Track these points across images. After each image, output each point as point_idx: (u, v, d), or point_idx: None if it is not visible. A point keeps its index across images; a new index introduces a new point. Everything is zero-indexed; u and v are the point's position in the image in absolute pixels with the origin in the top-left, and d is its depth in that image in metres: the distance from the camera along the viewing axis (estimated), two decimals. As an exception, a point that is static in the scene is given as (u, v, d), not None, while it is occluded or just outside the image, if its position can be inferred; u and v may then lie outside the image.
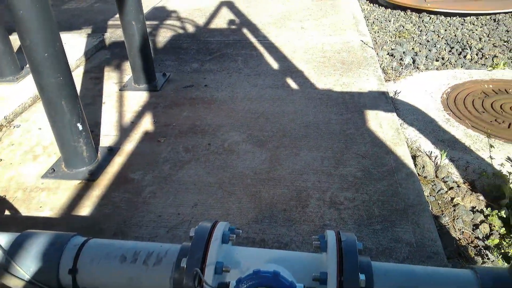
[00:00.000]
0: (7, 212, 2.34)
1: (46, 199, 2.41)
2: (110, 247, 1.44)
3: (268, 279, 1.06)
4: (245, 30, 5.06)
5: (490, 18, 5.48)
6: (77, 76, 3.98)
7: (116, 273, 1.37)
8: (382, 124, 3.00)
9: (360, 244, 1.32)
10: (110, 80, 3.92)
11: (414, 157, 2.71)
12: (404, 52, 4.50)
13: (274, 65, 4.10)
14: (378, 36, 5.06)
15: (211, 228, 1.35)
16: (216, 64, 4.17)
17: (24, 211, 2.33)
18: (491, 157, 2.72)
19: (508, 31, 5.01)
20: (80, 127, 2.49)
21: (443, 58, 4.35)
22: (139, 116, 3.28)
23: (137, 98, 3.55)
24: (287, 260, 1.35)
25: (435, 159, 2.73)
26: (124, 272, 1.37)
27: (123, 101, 3.53)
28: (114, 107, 3.43)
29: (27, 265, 1.35)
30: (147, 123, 3.16)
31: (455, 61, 4.25)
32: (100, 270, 1.37)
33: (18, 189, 2.51)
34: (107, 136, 3.02)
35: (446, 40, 4.83)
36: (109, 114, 3.33)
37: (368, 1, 6.47)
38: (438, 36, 4.98)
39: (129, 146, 2.88)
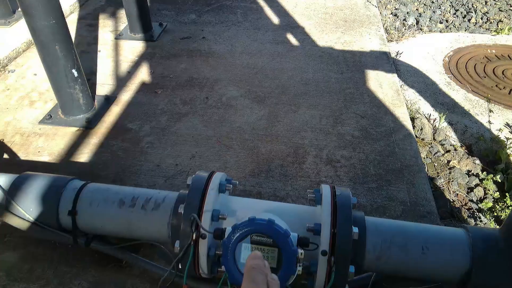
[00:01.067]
0: (5, 156, 2.32)
1: (44, 144, 2.40)
2: (108, 191, 1.45)
3: (263, 226, 1.07)
4: (246, -18, 4.88)
5: (498, -19, 5.33)
6: (71, 23, 3.86)
7: (115, 216, 1.38)
8: (382, 85, 2.97)
9: (354, 199, 1.34)
10: (105, 28, 3.81)
11: (412, 119, 2.70)
12: (408, 13, 4.39)
13: (274, 19, 3.99)
14: (383, -5, 4.92)
15: (208, 177, 1.35)
16: (215, 16, 4.05)
17: (23, 155, 2.32)
18: (489, 122, 2.73)
19: (515, -4, 4.89)
20: (76, 74, 2.44)
21: (447, 21, 4.27)
22: (135, 66, 3.21)
23: (133, 47, 3.47)
24: (283, 211, 1.37)
25: (433, 121, 2.73)
26: (123, 215, 1.38)
27: (118, 50, 3.44)
28: (110, 56, 3.35)
29: (27, 205, 1.36)
30: (143, 74, 3.11)
31: (459, 24, 4.17)
32: (99, 213, 1.39)
33: (15, 134, 2.48)
34: (103, 85, 2.97)
35: (451, 2, 4.72)
36: (105, 63, 3.25)
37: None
38: (444, -2, 4.86)
39: (126, 96, 2.84)
